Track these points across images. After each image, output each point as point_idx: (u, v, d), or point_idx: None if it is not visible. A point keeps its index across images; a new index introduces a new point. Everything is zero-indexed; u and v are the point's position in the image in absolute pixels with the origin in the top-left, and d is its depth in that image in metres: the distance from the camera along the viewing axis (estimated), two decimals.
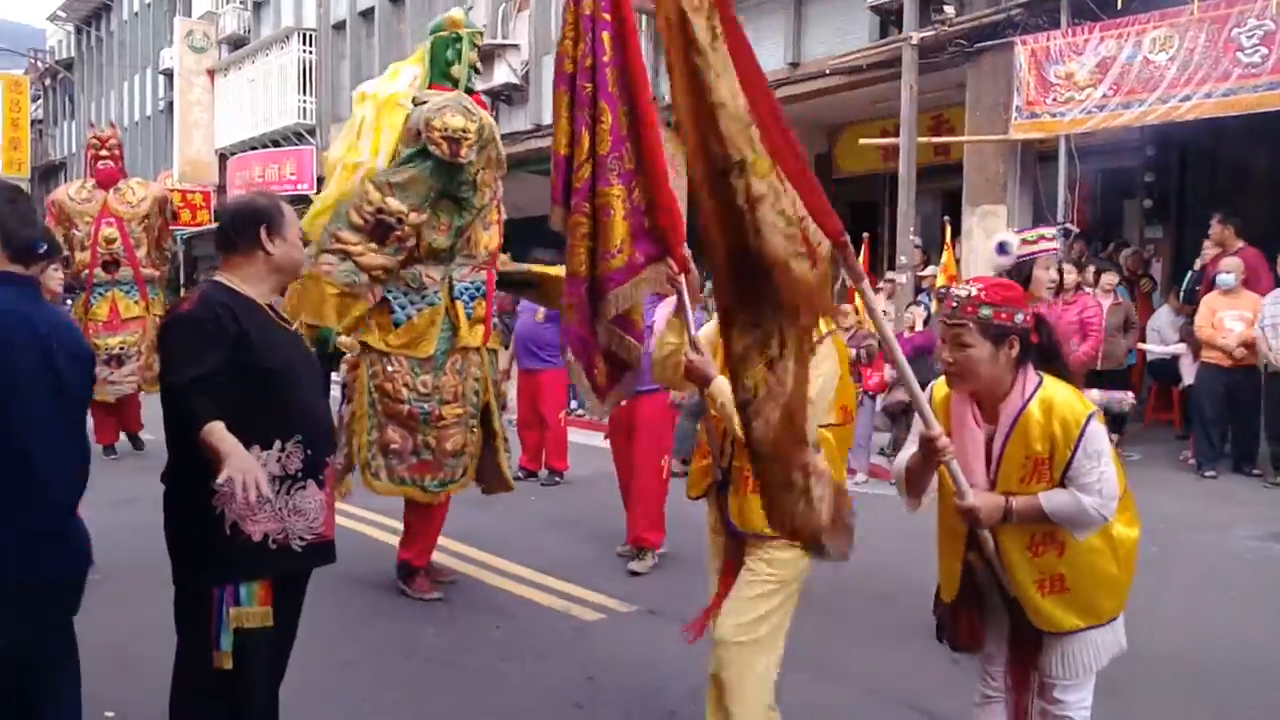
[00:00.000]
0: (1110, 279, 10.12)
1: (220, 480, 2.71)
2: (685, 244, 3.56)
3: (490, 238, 5.84)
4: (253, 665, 3.07)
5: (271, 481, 2.99)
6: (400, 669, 4.83)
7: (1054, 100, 10.63)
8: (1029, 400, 2.91)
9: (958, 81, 12.14)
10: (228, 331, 2.99)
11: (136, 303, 10.15)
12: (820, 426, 3.33)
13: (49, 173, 46.03)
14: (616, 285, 3.57)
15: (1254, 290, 8.94)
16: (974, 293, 2.95)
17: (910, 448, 3.10)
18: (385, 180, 5.34)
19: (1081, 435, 2.85)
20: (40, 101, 46.96)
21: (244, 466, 2.75)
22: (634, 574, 6.26)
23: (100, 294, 10.05)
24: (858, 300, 11.51)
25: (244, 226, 3.20)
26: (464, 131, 5.33)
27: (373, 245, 5.32)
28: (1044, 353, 3.02)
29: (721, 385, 3.30)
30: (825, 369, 3.26)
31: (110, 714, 4.21)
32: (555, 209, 3.72)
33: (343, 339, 5.43)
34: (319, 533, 3.16)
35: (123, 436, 10.46)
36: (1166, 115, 9.82)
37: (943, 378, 3.13)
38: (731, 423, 3.21)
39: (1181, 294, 10.38)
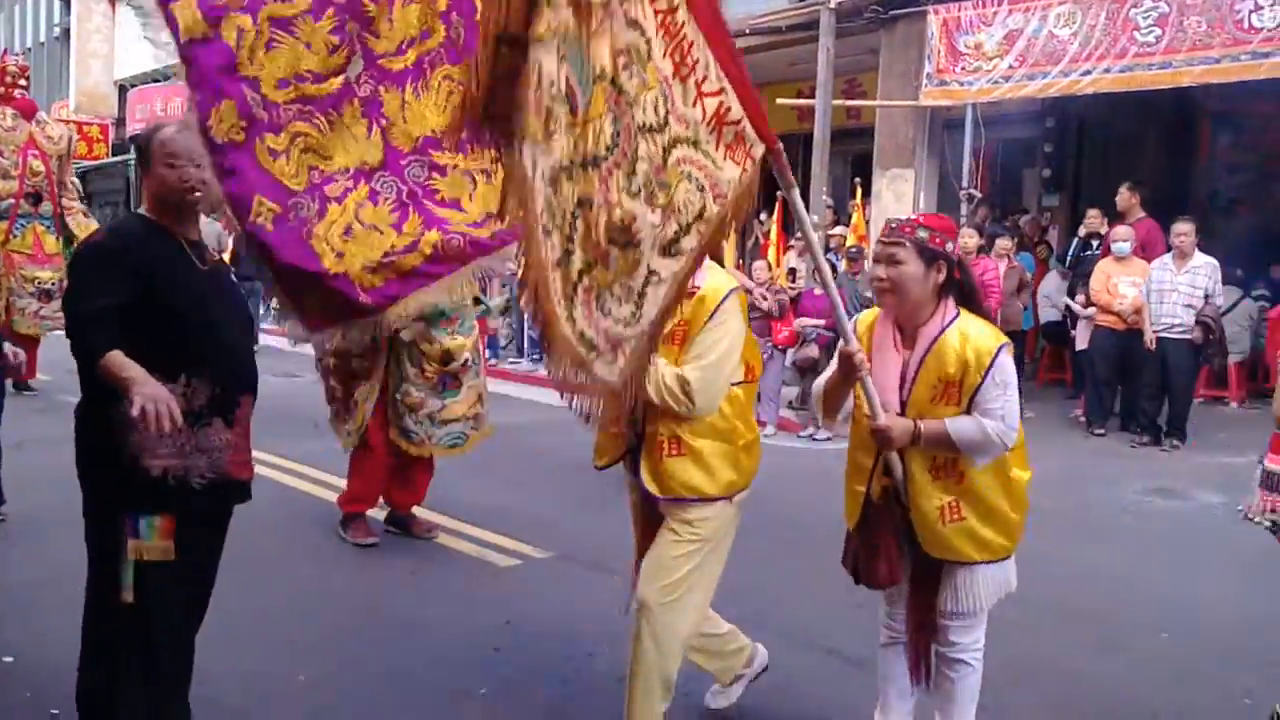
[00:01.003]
0: (1005, 244, 10.44)
1: (134, 411, 2.71)
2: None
3: None
4: (156, 598, 3.04)
5: None
6: (318, 611, 4.91)
7: (963, 69, 10.97)
8: (947, 327, 3.17)
9: (871, 47, 12.41)
10: (132, 263, 3.00)
11: (56, 239, 10.05)
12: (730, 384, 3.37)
13: None
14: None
15: (1152, 258, 9.39)
16: (913, 217, 3.26)
17: (831, 368, 3.31)
18: None
19: (992, 364, 3.10)
20: None
21: (153, 394, 2.75)
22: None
23: (23, 225, 9.93)
24: (770, 255, 11.79)
25: (139, 157, 3.22)
26: None
27: None
28: (963, 291, 3.26)
29: None
30: (732, 327, 3.31)
31: (9, 659, 4.24)
32: None
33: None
34: (223, 471, 3.10)
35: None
36: (1068, 89, 10.25)
37: (866, 311, 3.38)
38: (643, 388, 3.16)
39: (1068, 260, 10.84)
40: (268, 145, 3.20)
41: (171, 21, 3.24)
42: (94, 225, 10.23)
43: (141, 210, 3.24)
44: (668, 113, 2.74)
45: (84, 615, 3.14)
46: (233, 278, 3.48)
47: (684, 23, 2.73)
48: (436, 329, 5.69)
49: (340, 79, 3.25)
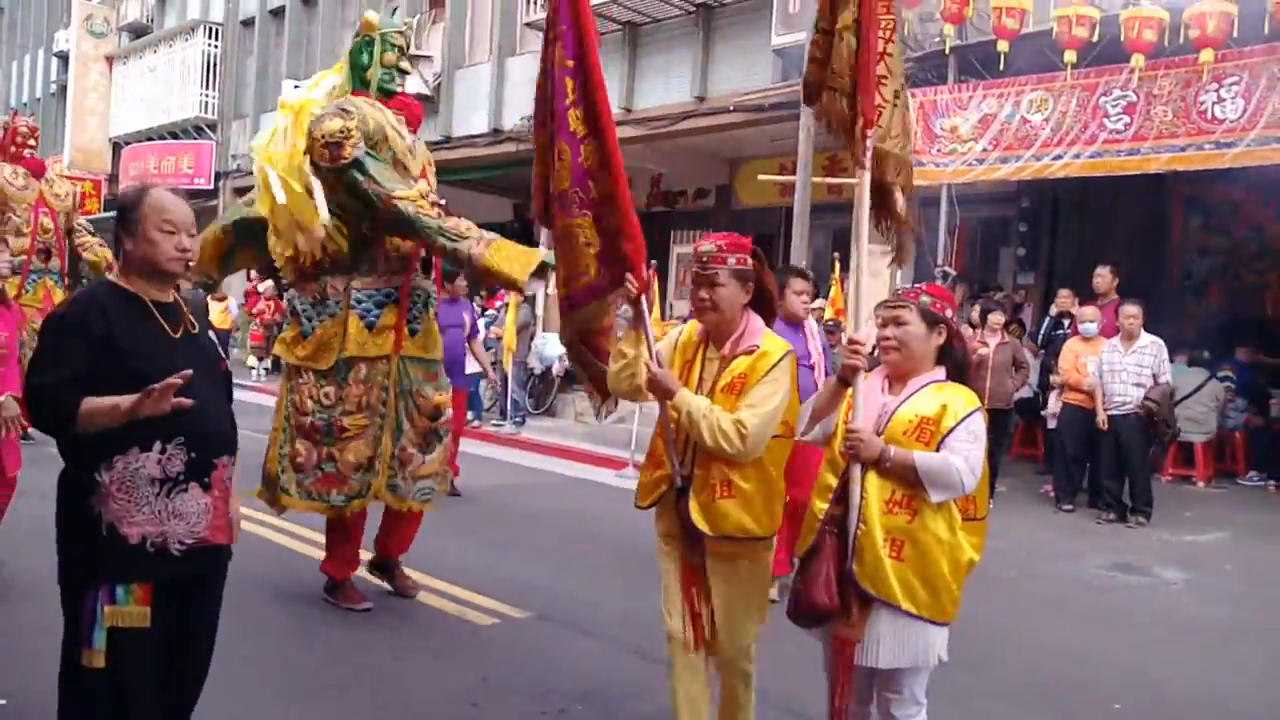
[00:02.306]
0: (997, 318, 10.37)
1: (146, 410, 2.83)
2: (645, 264, 3.93)
3: (407, 241, 5.70)
4: (128, 664, 3.03)
5: (151, 484, 3.01)
6: (300, 664, 5.02)
7: (938, 151, 11.31)
8: (935, 381, 3.42)
9: None
10: (92, 331, 2.95)
11: (64, 293, 10.37)
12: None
13: None
14: (582, 304, 4.08)
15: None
16: (917, 285, 3.57)
17: (828, 384, 3.56)
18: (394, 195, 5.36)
19: (968, 416, 3.32)
20: None
21: (135, 403, 2.83)
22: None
23: (34, 280, 10.24)
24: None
25: (117, 224, 3.14)
26: (343, 132, 5.34)
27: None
28: (956, 364, 3.50)
29: (685, 397, 3.56)
30: (784, 384, 3.58)
31: (3, 701, 4.35)
32: (539, 226, 4.39)
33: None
34: (201, 537, 3.10)
35: None
36: (1040, 172, 10.59)
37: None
38: (698, 430, 3.49)
39: (1040, 339, 11.11)
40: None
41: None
42: (108, 253, 10.48)
43: (111, 275, 3.21)
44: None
45: (59, 680, 3.13)
46: (211, 338, 3.44)
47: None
48: (428, 383, 5.80)
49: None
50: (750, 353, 3.60)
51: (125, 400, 2.85)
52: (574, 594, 6.12)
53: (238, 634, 4.76)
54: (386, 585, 6.20)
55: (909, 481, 3.29)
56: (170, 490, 3.03)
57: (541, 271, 5.15)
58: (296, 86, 19.80)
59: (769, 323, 3.76)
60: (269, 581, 6.15)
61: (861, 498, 3.33)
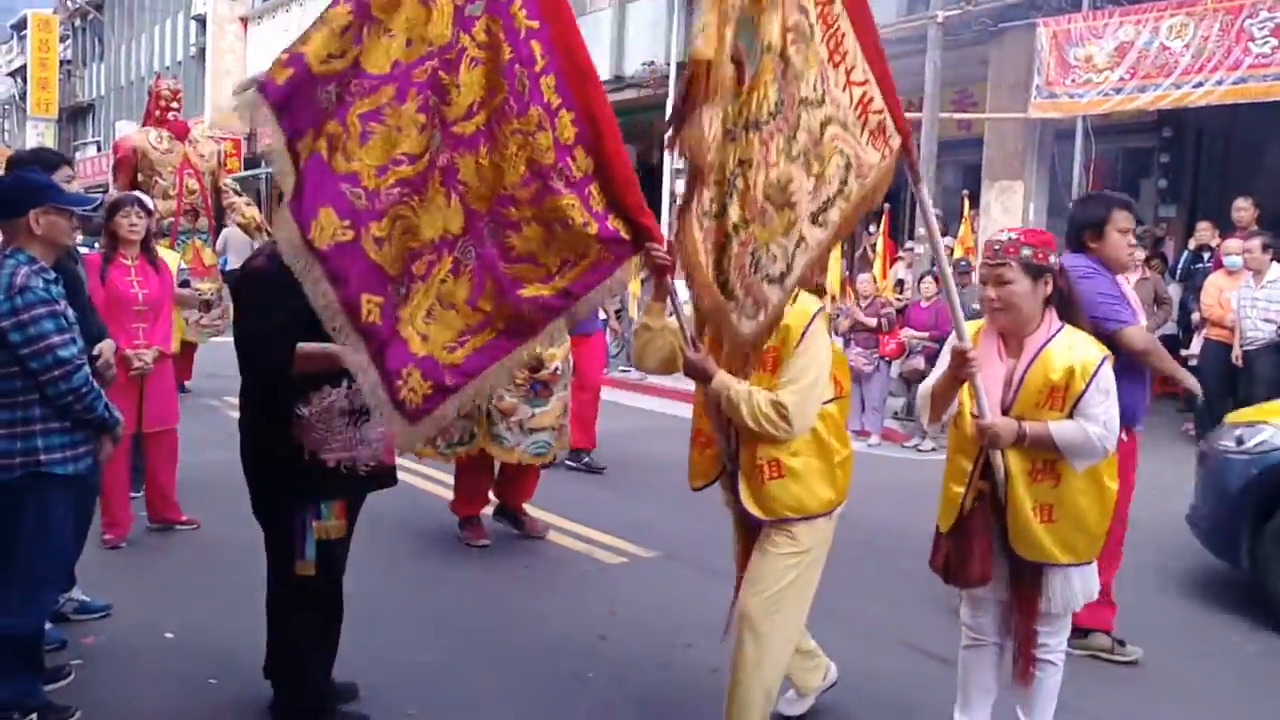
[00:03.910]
0: (1137, 254, 10.09)
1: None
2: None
3: None
4: (334, 569, 3.63)
5: (342, 415, 3.47)
6: (437, 602, 5.27)
7: (1073, 81, 10.97)
8: (1053, 337, 3.34)
9: (982, 58, 12.42)
10: (296, 287, 3.12)
11: (213, 252, 10.81)
12: (822, 403, 3.43)
13: (76, 114, 46.44)
14: (581, 294, 3.40)
15: None
16: (1015, 236, 3.40)
17: (940, 369, 3.47)
18: None
19: (1096, 372, 3.26)
20: (69, 42, 47.21)
21: (357, 360, 3.09)
22: None
23: (183, 241, 10.57)
24: (876, 268, 11.91)
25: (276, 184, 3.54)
26: None
27: None
28: (1063, 300, 3.43)
29: (723, 380, 3.33)
30: (820, 348, 3.40)
31: (170, 635, 4.70)
32: None
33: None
34: (380, 459, 3.61)
35: None
36: (1179, 101, 10.19)
37: (971, 322, 3.48)
38: (739, 415, 3.32)
39: (1179, 273, 10.71)
40: (373, 235, 3.13)
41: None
42: (256, 212, 10.98)
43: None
44: (824, 92, 3.13)
45: (270, 600, 3.70)
46: None
47: (839, 15, 3.14)
48: None
49: (427, 156, 3.21)
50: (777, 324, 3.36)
51: (340, 350, 3.12)
52: (700, 534, 6.19)
53: (376, 575, 5.07)
54: (514, 529, 6.39)
55: (1049, 451, 3.28)
56: (357, 420, 3.49)
57: None
58: None
59: (811, 288, 3.53)
60: (403, 521, 6.42)
61: (1006, 475, 3.32)
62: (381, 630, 4.71)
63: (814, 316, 3.40)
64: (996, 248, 3.36)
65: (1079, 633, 4.52)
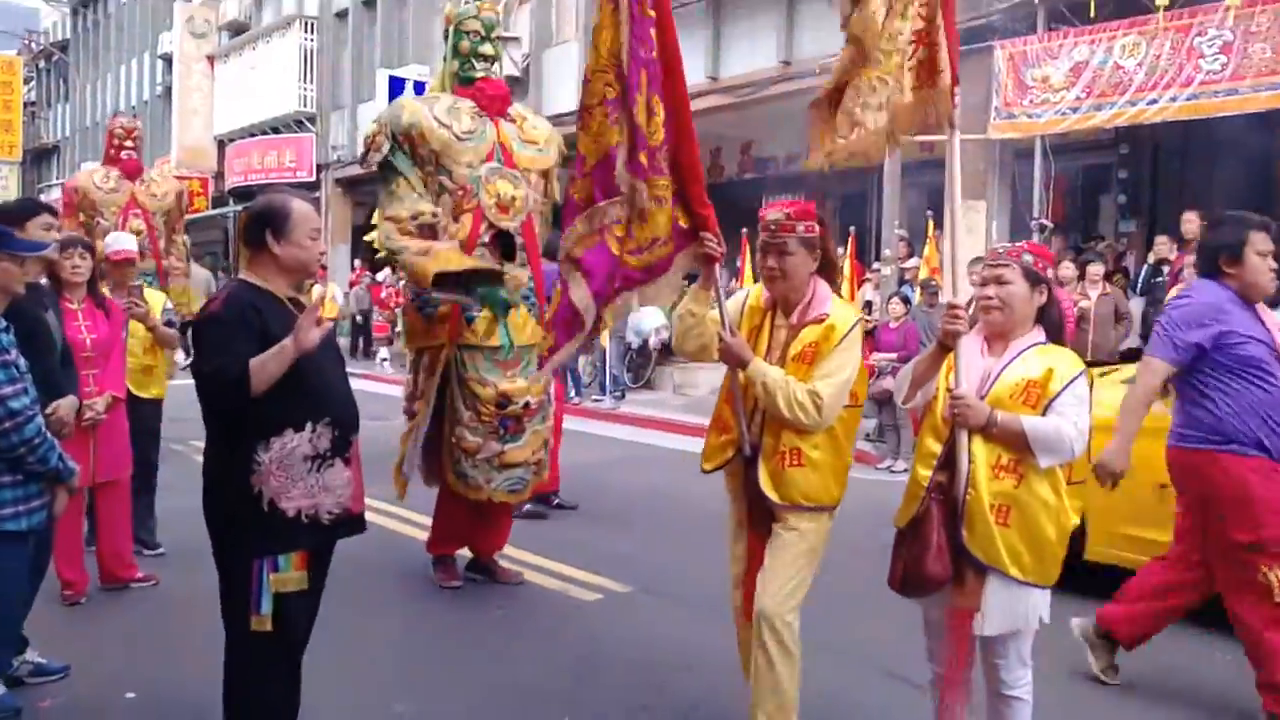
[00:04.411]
0: (1096, 270, 10.12)
1: (311, 337, 3.16)
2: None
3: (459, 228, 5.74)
4: (291, 625, 3.39)
5: (304, 461, 3.29)
6: (412, 648, 5.21)
7: (1030, 102, 11.13)
8: (1036, 344, 3.41)
9: None
10: (253, 328, 3.21)
11: (161, 290, 10.50)
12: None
13: (41, 156, 46.16)
14: (659, 273, 3.87)
15: None
16: (1019, 245, 3.54)
17: (926, 350, 3.54)
18: (385, 214, 5.65)
19: (1074, 380, 3.30)
20: (33, 84, 46.93)
21: (305, 339, 3.15)
22: None
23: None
24: (843, 291, 11.99)
25: (255, 227, 3.40)
26: (369, 138, 5.73)
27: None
28: (1052, 323, 3.47)
29: (760, 367, 3.55)
30: (855, 353, 3.59)
31: (131, 695, 4.53)
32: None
33: None
34: (346, 507, 3.41)
35: None
36: (1135, 118, 10.37)
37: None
38: (774, 400, 3.49)
39: (1139, 287, 10.87)
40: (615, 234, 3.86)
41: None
42: (188, 288, 10.61)
43: (244, 276, 3.46)
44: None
45: (228, 649, 3.45)
46: (332, 327, 3.66)
47: None
48: (491, 371, 5.76)
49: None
50: (820, 321, 3.60)
51: (288, 340, 3.14)
52: (675, 567, 6.24)
53: (349, 619, 5.02)
54: (491, 582, 6.26)
55: (1016, 446, 3.27)
56: (320, 466, 3.33)
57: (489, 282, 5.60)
58: (392, 75, 20.33)
59: (834, 288, 3.77)
60: (377, 564, 6.34)
61: (969, 463, 3.32)
62: (355, 678, 4.66)
63: (855, 324, 3.61)
64: (1001, 251, 3.49)
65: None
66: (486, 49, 6.01)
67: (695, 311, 3.77)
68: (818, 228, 3.68)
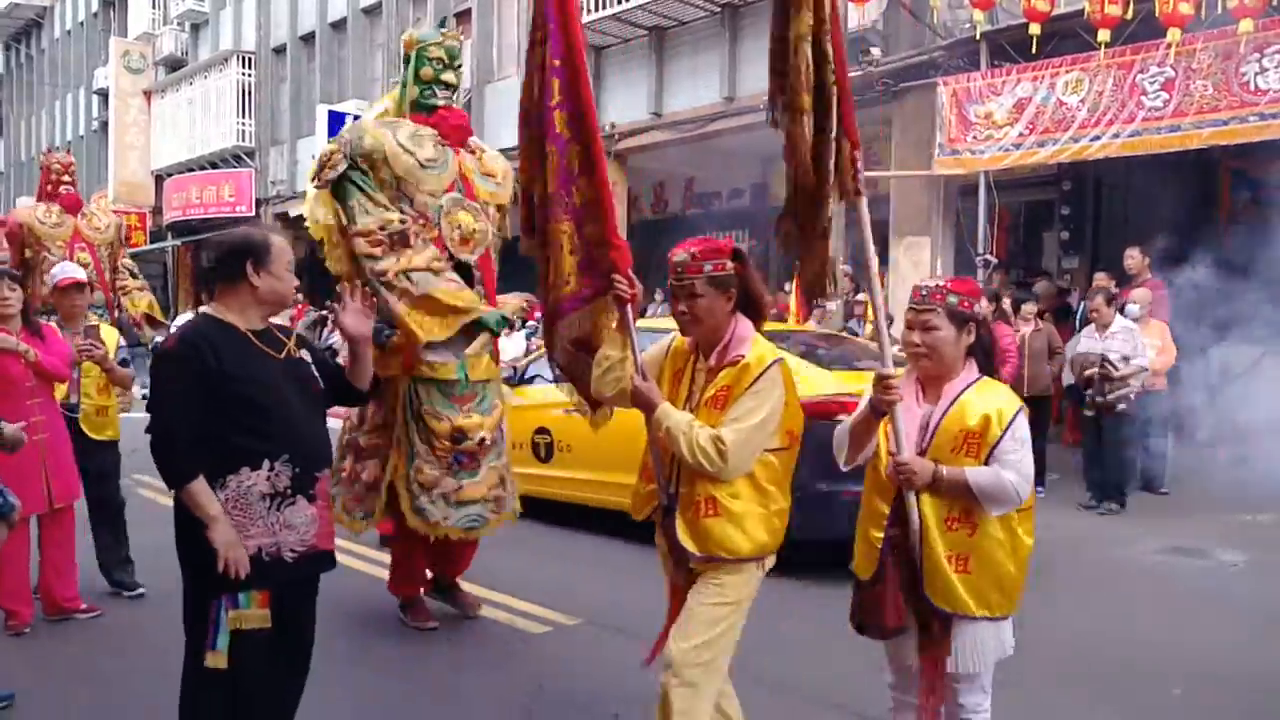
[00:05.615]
0: (1030, 308, 10.36)
1: (220, 566, 3.16)
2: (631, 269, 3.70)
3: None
4: (249, 664, 3.31)
5: (262, 499, 3.28)
6: (360, 681, 5.03)
7: (974, 138, 11.22)
8: (970, 384, 3.30)
9: (885, 118, 12.68)
10: (207, 366, 3.21)
11: (110, 324, 10.30)
12: (766, 450, 3.41)
13: None
14: (567, 313, 3.83)
15: (1158, 318, 9.51)
16: (941, 283, 3.37)
17: (860, 408, 3.38)
18: (354, 229, 5.42)
19: (1012, 421, 3.23)
20: None
21: (227, 540, 3.18)
22: None
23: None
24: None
25: (232, 259, 3.40)
26: (326, 155, 5.59)
27: (406, 253, 5.40)
28: (984, 351, 3.39)
29: (667, 411, 3.39)
30: (772, 395, 3.37)
31: None
32: (524, 239, 4.04)
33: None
34: (310, 544, 3.40)
35: None
36: (1078, 154, 10.47)
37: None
38: (678, 447, 3.33)
39: (1079, 322, 10.95)
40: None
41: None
42: (153, 301, 10.54)
43: (208, 309, 3.45)
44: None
45: (183, 682, 3.39)
46: (308, 362, 3.59)
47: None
48: (446, 405, 5.55)
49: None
50: (735, 364, 3.40)
51: (214, 533, 3.21)
52: (620, 598, 6.11)
53: None
54: (450, 606, 6.11)
55: (964, 498, 3.22)
56: (280, 504, 3.32)
57: (470, 330, 5.45)
58: (331, 110, 20.15)
59: (758, 326, 3.55)
60: (326, 598, 6.13)
61: (919, 522, 3.26)
62: (300, 714, 4.49)
63: (772, 364, 3.39)
64: (924, 293, 3.32)
65: None
66: (449, 77, 5.91)
67: (611, 355, 3.64)
68: (731, 264, 3.46)
